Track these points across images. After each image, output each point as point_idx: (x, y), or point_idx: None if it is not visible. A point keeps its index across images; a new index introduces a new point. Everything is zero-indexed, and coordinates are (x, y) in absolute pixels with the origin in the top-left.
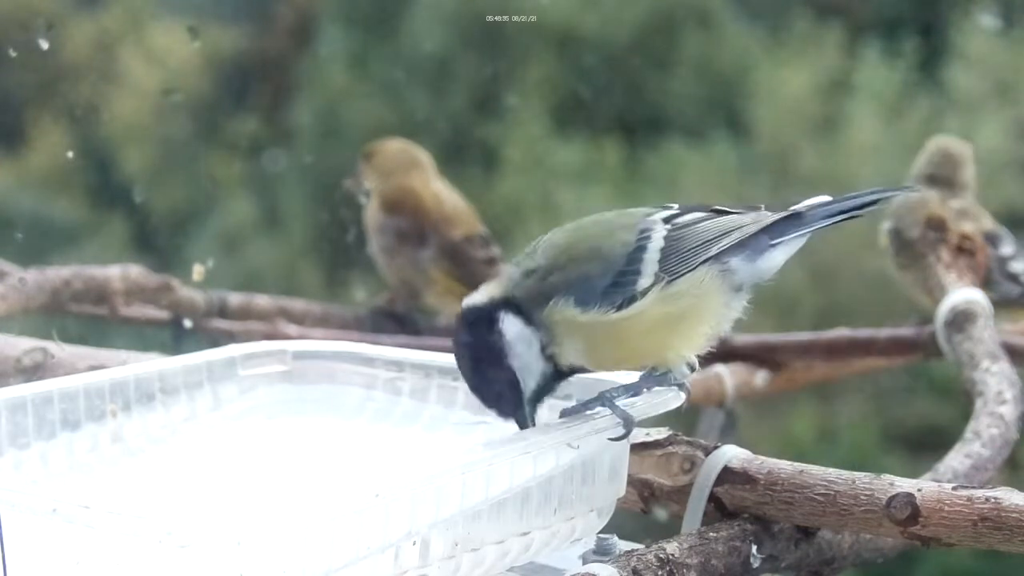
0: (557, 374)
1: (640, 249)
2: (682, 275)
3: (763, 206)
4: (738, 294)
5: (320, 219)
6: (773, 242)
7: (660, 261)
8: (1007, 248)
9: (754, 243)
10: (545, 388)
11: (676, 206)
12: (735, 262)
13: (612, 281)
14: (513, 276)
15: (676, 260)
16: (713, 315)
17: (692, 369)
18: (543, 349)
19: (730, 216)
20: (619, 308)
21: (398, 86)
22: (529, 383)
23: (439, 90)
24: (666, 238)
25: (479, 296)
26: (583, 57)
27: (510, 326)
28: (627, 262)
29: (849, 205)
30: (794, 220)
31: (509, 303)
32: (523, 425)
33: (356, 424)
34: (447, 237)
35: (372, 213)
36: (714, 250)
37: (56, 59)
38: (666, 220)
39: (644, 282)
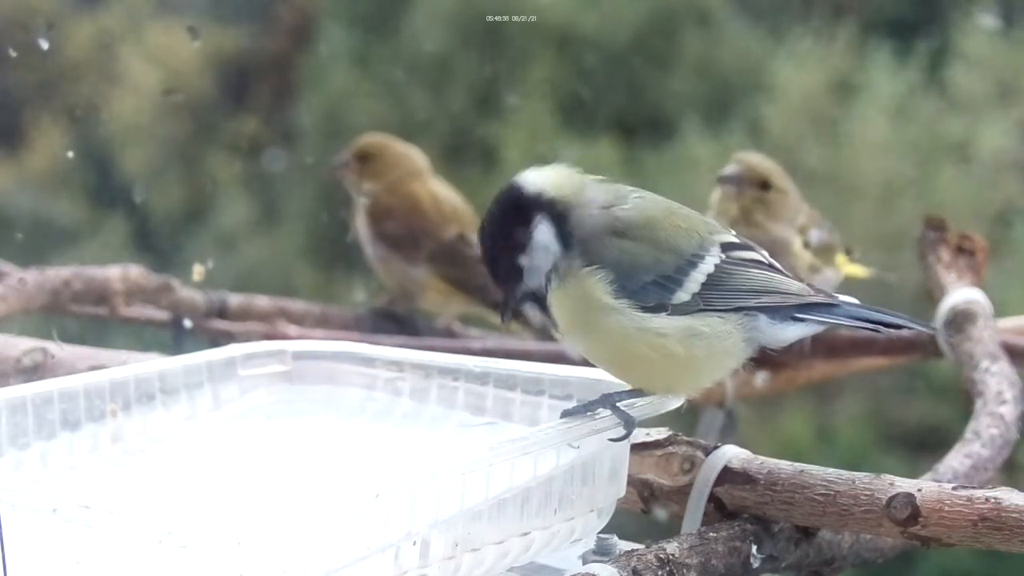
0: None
1: (691, 264)
2: (716, 311)
3: (806, 281)
4: (748, 348)
5: (320, 219)
6: (798, 316)
7: (703, 285)
8: None
9: (784, 310)
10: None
11: (734, 234)
12: (763, 320)
13: (654, 279)
14: (593, 195)
15: (717, 292)
16: (719, 369)
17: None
18: (553, 270)
19: (779, 275)
20: (648, 311)
21: (398, 86)
22: (529, 283)
23: (439, 90)
24: (717, 266)
25: (537, 178)
26: (583, 57)
27: (541, 234)
28: (676, 270)
29: (876, 318)
30: (824, 307)
31: (557, 209)
32: (503, 316)
33: (356, 424)
34: (440, 239)
35: (362, 220)
36: (753, 302)
37: (56, 59)
38: (724, 247)
39: (682, 296)
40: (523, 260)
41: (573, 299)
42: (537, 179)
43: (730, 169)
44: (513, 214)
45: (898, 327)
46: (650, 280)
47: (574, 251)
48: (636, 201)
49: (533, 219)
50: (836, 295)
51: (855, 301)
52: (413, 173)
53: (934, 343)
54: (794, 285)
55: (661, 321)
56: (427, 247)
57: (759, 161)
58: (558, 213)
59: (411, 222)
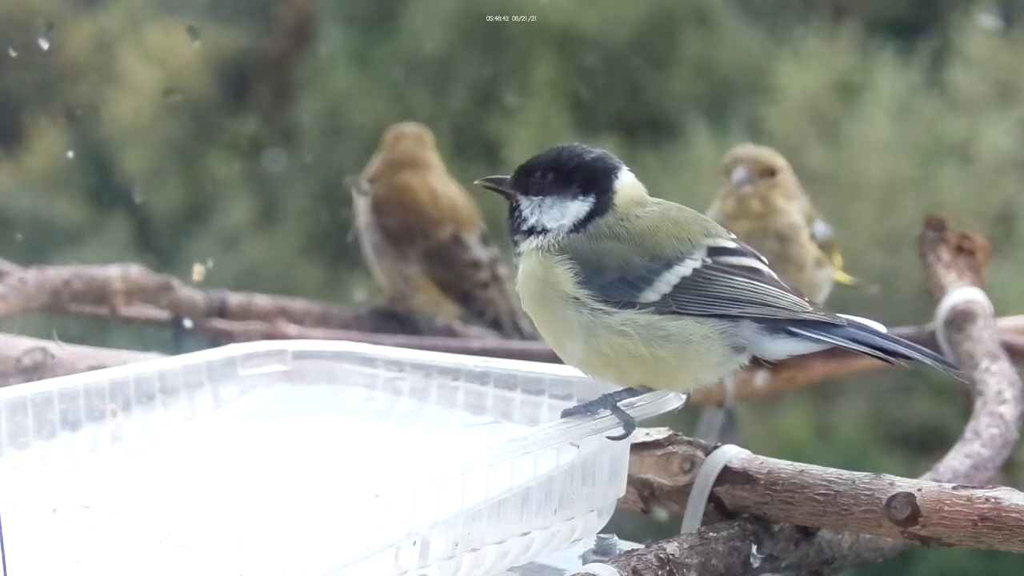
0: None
1: (666, 266)
2: (689, 315)
3: (807, 298)
4: (739, 353)
5: (320, 219)
6: (792, 331)
7: (675, 287)
8: None
9: (775, 322)
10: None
11: (734, 239)
12: (747, 328)
13: (621, 277)
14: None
15: (692, 296)
16: (699, 369)
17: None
18: (542, 232)
19: (774, 287)
20: (613, 305)
21: (398, 85)
22: (529, 212)
23: (440, 89)
24: (696, 270)
25: (630, 179)
26: (583, 57)
27: (576, 204)
28: (648, 271)
29: (882, 344)
30: (824, 325)
31: (606, 208)
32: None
33: (356, 424)
34: (434, 238)
35: (363, 211)
36: (734, 311)
37: (56, 59)
38: (711, 251)
39: (650, 295)
40: (549, 198)
41: (540, 280)
42: (629, 179)
43: (739, 175)
44: (572, 165)
45: (907, 358)
46: (616, 278)
47: (567, 242)
48: (645, 211)
49: (588, 188)
50: (841, 315)
51: (867, 323)
52: (411, 163)
53: (934, 343)
54: (788, 299)
55: (625, 316)
56: (421, 245)
57: (759, 151)
58: (602, 208)
59: (407, 217)
